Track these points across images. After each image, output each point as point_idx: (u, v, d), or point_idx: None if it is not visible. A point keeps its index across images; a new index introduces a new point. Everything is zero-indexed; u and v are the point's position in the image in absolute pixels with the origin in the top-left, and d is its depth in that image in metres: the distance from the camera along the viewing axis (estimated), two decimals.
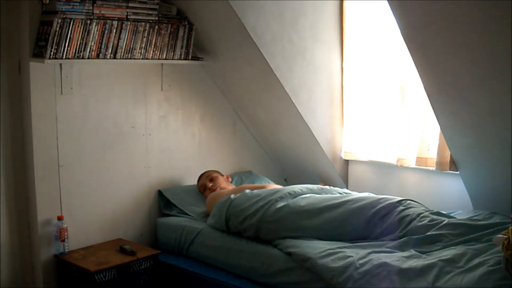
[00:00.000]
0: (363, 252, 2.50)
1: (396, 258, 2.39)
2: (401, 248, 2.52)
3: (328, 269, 2.48)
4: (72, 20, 2.77)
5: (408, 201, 2.83)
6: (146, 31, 3.10)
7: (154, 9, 3.14)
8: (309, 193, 3.06)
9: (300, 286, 2.61)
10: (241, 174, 3.84)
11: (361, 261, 2.43)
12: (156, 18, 3.15)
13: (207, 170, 3.59)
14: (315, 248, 2.63)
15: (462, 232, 2.51)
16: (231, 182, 3.60)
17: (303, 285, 2.60)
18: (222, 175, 3.56)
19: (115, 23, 2.95)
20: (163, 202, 3.43)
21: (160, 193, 3.44)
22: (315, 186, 3.18)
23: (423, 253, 2.44)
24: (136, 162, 3.34)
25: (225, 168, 3.81)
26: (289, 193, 3.01)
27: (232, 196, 3.07)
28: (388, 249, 2.52)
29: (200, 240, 3.08)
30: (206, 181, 3.46)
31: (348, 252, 2.53)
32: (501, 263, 2.15)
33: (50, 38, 2.71)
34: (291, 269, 2.65)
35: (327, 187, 3.25)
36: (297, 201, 2.92)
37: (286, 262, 2.68)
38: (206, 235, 3.08)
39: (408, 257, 2.39)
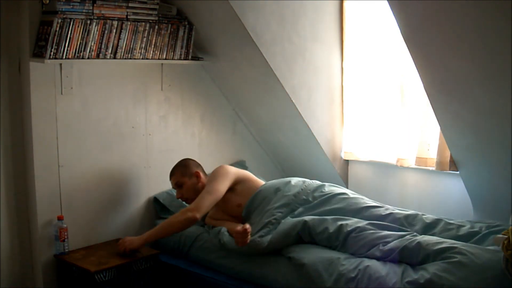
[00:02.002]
0: (357, 262, 2.48)
1: (389, 270, 2.36)
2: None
3: (320, 278, 2.48)
4: (72, 20, 2.77)
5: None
6: (146, 31, 3.10)
7: (154, 9, 3.14)
8: (289, 213, 2.91)
9: None
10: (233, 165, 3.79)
11: (353, 272, 2.41)
12: (156, 18, 3.15)
13: (176, 165, 3.25)
14: (311, 253, 2.61)
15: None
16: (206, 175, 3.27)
17: None
18: (192, 173, 3.20)
19: (115, 23, 2.95)
20: (159, 207, 3.42)
21: (155, 199, 3.42)
22: (291, 198, 2.98)
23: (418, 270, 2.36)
24: (136, 162, 3.34)
25: None
26: (271, 223, 2.86)
27: (225, 238, 2.92)
28: (382, 261, 2.46)
29: (199, 244, 3.06)
30: (174, 186, 3.24)
31: (343, 261, 2.50)
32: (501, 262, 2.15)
33: (50, 38, 2.71)
34: (292, 273, 2.63)
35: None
36: (280, 229, 2.79)
37: (286, 266, 2.66)
38: (205, 239, 3.06)
39: (403, 271, 2.34)
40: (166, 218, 3.27)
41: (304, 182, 3.13)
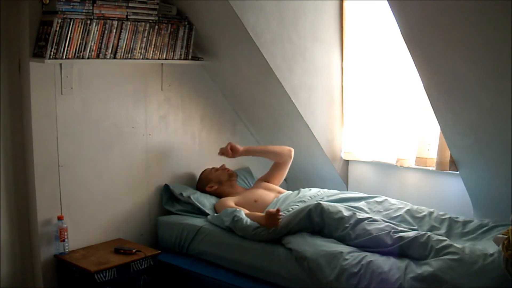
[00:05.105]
0: (360, 256, 2.48)
1: (392, 265, 2.38)
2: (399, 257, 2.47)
3: (322, 272, 2.48)
4: (72, 20, 2.77)
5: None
6: (146, 31, 3.10)
7: (154, 9, 3.14)
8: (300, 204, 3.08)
9: (302, 284, 2.61)
10: (239, 172, 3.83)
11: (356, 267, 2.42)
12: (156, 18, 3.15)
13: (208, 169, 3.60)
14: (314, 247, 2.62)
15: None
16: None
17: (305, 284, 2.59)
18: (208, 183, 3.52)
19: (115, 23, 2.95)
20: (166, 196, 3.42)
21: (165, 187, 3.42)
22: (307, 198, 3.21)
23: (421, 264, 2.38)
24: (136, 162, 3.34)
25: None
26: (286, 211, 3.00)
27: (235, 218, 2.97)
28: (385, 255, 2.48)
29: (201, 238, 3.09)
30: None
31: (346, 255, 2.51)
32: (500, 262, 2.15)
33: (50, 38, 2.71)
34: (294, 267, 2.64)
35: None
36: (292, 212, 2.92)
37: (288, 259, 2.68)
38: (206, 232, 3.09)
39: (407, 267, 2.36)
40: (170, 210, 3.36)
41: (319, 190, 3.37)
